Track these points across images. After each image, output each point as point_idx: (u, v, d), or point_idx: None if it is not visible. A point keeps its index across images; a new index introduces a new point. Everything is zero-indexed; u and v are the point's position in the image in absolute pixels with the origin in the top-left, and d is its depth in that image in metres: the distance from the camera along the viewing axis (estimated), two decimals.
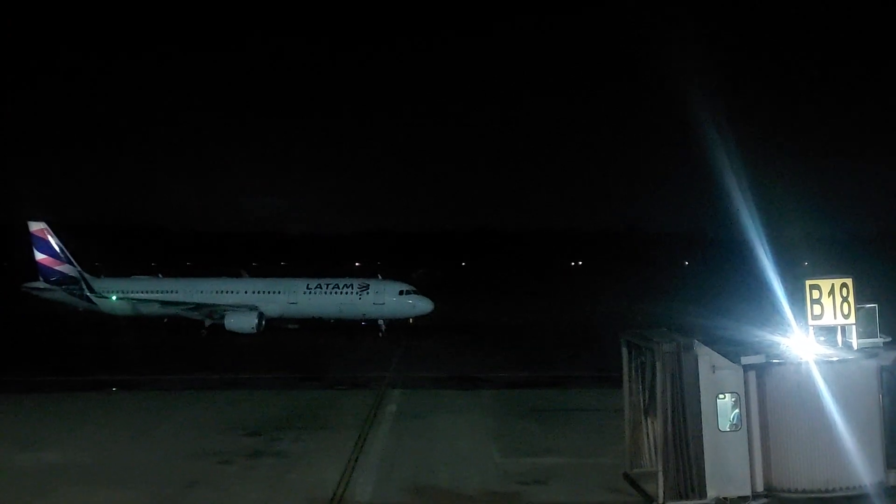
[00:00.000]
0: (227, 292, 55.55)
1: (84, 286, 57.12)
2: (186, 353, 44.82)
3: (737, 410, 15.82)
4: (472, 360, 40.95)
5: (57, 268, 60.08)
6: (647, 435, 17.57)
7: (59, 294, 58.49)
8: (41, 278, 60.26)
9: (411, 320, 52.81)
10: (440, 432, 24.61)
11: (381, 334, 51.07)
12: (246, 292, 55.10)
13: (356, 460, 21.23)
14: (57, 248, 60.31)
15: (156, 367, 38.44)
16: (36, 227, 61.00)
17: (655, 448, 16.57)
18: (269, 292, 54.69)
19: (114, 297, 57.13)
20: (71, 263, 60.04)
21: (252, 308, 52.18)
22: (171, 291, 56.80)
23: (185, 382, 34.18)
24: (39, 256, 60.52)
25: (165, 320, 55.68)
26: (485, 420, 26.34)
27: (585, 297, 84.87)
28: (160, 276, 65.55)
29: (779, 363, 15.99)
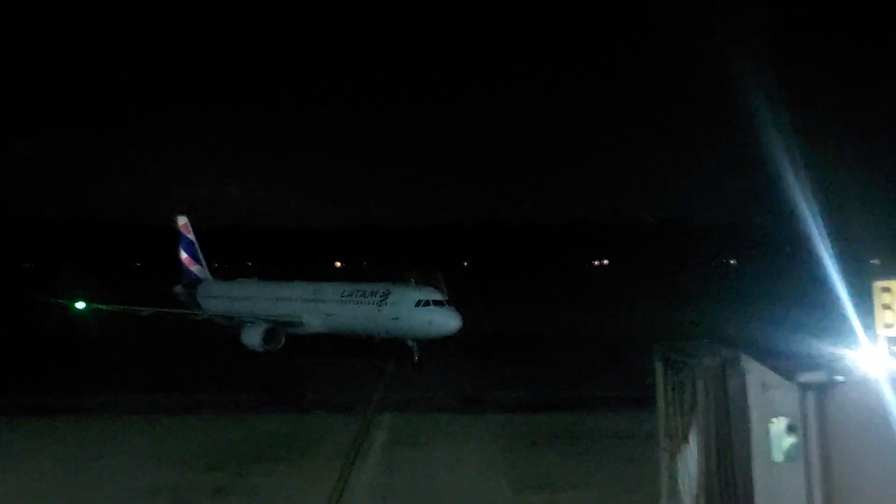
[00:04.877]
0: (286, 300, 54.15)
1: (191, 291, 61.16)
2: (163, 371, 44.71)
3: (793, 437, 15.72)
4: (478, 376, 40.96)
5: (191, 268, 63.48)
6: (686, 466, 17.49)
7: (184, 295, 61.72)
8: (183, 279, 63.66)
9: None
10: (440, 463, 24.55)
11: (415, 359, 44.74)
12: (296, 300, 53.09)
13: (339, 497, 21.15)
14: (194, 247, 63.75)
15: (123, 388, 38.58)
16: (181, 221, 63.66)
17: (696, 482, 16.49)
18: (312, 301, 52.02)
19: (78, 305, 57.83)
20: (201, 264, 63.62)
21: (263, 321, 49.99)
22: (247, 298, 58.05)
23: (142, 406, 34.19)
24: (182, 255, 63.63)
25: None
26: (493, 449, 26.31)
27: (611, 303, 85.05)
28: (256, 278, 66.97)
29: (843, 381, 15.89)
